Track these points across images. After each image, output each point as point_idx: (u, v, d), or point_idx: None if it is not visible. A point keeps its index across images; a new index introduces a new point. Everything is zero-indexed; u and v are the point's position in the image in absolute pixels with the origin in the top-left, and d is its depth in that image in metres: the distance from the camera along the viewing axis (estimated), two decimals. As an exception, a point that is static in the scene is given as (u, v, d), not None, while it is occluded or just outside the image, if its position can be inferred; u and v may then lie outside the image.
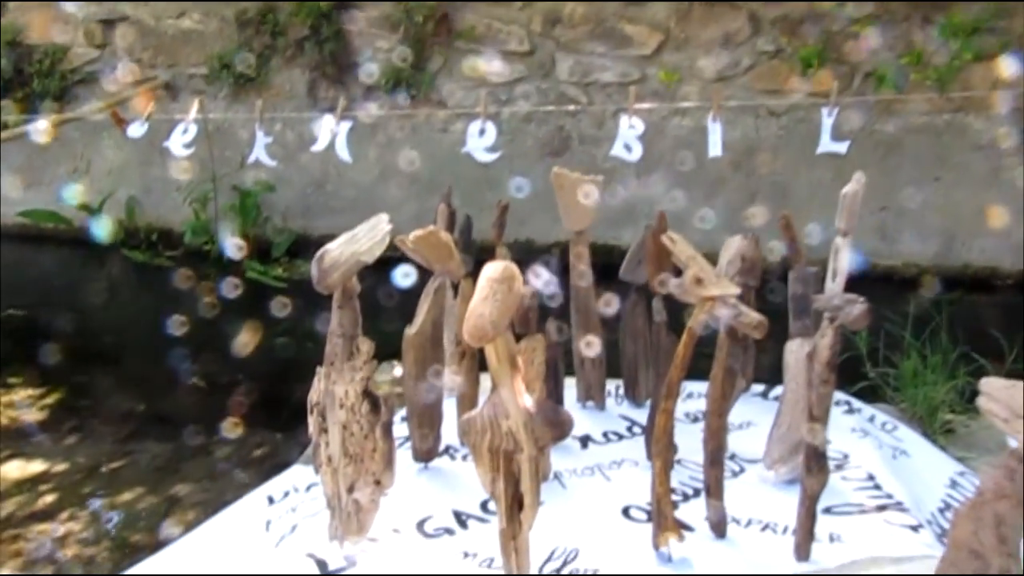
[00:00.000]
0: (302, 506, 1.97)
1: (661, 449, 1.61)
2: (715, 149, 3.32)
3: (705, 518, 1.75)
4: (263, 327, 3.87)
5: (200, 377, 3.69)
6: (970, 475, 2.21)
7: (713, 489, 1.70)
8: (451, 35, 4.65)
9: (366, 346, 1.58)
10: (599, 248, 3.54)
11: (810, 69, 4.21)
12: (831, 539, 1.71)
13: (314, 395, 1.62)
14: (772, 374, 2.31)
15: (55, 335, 4.10)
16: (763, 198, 4.42)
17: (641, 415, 2.21)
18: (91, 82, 5.16)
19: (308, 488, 2.04)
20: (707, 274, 1.48)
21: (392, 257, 1.83)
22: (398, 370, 2.50)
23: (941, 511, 1.96)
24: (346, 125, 3.54)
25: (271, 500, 2.09)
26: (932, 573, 1.35)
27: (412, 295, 1.98)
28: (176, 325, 3.86)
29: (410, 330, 1.92)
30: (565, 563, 1.65)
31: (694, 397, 2.28)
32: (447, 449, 2.07)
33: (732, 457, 2.04)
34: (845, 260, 2.22)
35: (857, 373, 2.92)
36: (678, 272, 1.67)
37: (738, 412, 2.18)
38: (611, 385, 2.37)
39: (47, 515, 2.79)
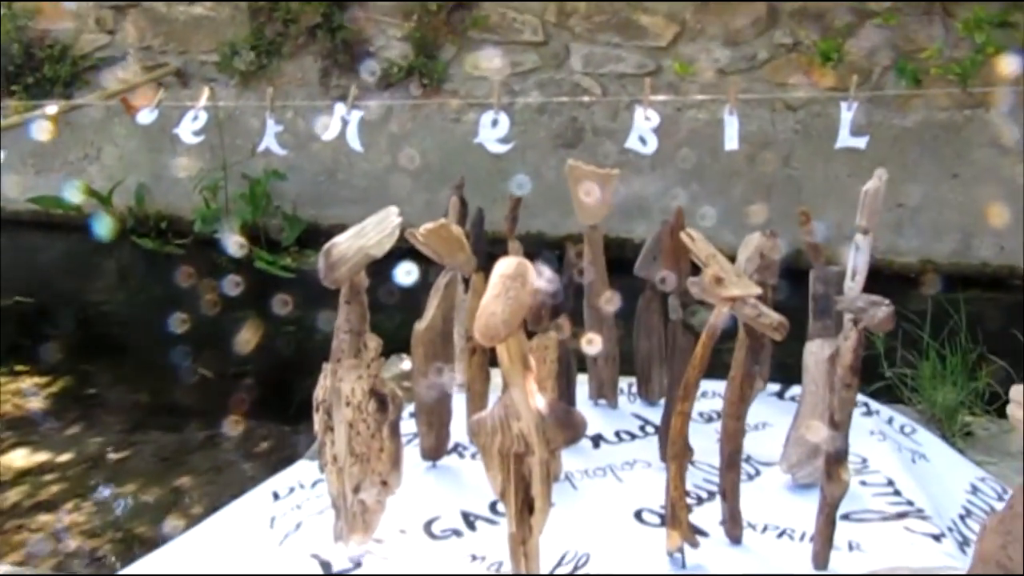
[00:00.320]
0: (307, 503, 1.93)
1: (676, 452, 1.56)
2: (731, 142, 3.26)
3: (720, 523, 1.70)
4: (270, 318, 3.84)
5: (207, 367, 3.66)
6: (991, 480, 2.15)
7: (729, 494, 1.65)
8: (464, 24, 4.60)
9: (374, 343, 1.54)
10: (611, 242, 3.50)
11: (829, 62, 4.13)
12: (850, 547, 1.66)
13: (320, 392, 1.58)
14: (787, 373, 2.26)
15: (62, 323, 4.08)
16: (778, 193, 4.36)
17: (654, 414, 2.16)
18: (102, 68, 5.13)
19: (314, 484, 2.00)
20: (727, 274, 1.43)
21: (402, 248, 1.79)
22: (407, 363, 2.46)
23: (962, 518, 1.91)
24: (357, 114, 3.50)
25: (276, 496, 2.06)
26: (957, 585, 1.31)
27: (422, 289, 1.94)
28: (183, 315, 3.83)
29: (420, 325, 1.88)
30: (576, 568, 1.61)
31: (709, 396, 2.23)
32: (456, 447, 2.03)
33: (747, 459, 1.99)
34: (865, 259, 2.17)
35: (874, 373, 2.87)
36: (695, 269, 1.62)
37: (754, 412, 2.12)
38: (624, 383, 2.32)
39: (51, 505, 2.77)
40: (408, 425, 2.07)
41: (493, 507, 1.78)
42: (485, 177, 4.08)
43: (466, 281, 2.09)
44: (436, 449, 1.97)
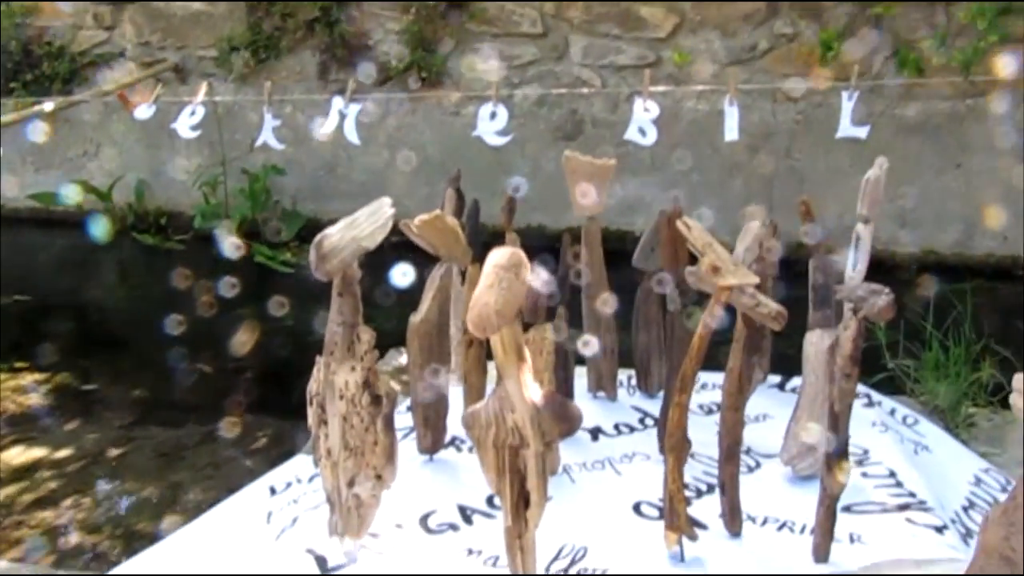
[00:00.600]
0: (304, 498, 1.92)
1: (674, 444, 1.54)
2: (731, 133, 3.24)
3: (719, 516, 1.68)
4: (270, 313, 3.83)
5: (206, 363, 3.65)
6: (995, 472, 2.13)
7: (728, 487, 1.63)
8: (463, 18, 4.57)
9: (367, 335, 1.52)
10: (611, 234, 3.48)
11: (830, 52, 4.10)
12: (851, 539, 1.64)
13: (314, 386, 1.56)
14: (789, 365, 2.24)
15: (62, 320, 4.07)
16: (779, 184, 4.34)
17: (654, 406, 2.14)
18: (100, 64, 5.11)
19: (311, 479, 1.99)
20: (724, 262, 1.41)
21: (397, 241, 1.77)
22: (404, 358, 2.44)
23: (965, 510, 1.89)
24: (355, 108, 3.48)
25: (273, 491, 2.04)
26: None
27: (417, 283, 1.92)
28: (183, 311, 3.82)
29: (415, 318, 1.86)
30: (573, 562, 1.59)
31: (708, 388, 2.21)
32: (453, 440, 2.01)
33: (748, 451, 1.97)
34: (867, 248, 2.15)
35: (876, 364, 2.84)
36: (694, 260, 1.60)
37: (754, 404, 2.11)
38: (623, 375, 2.31)
39: (50, 502, 2.76)
40: (405, 419, 2.05)
41: (490, 501, 1.76)
42: (485, 170, 4.06)
43: (463, 274, 2.07)
44: (433, 443, 1.96)
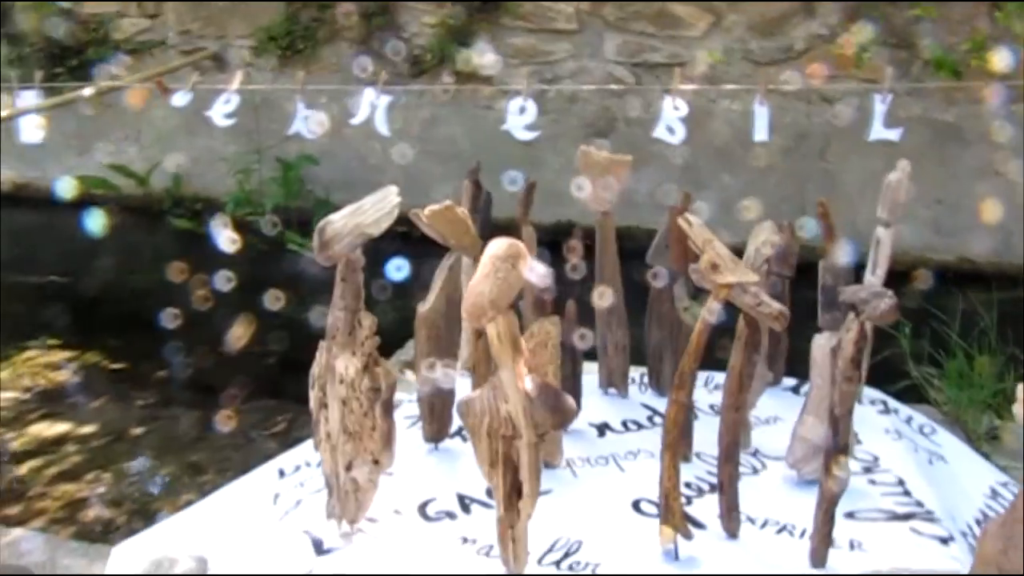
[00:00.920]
0: (310, 481, 1.94)
1: (671, 441, 1.54)
2: (761, 134, 3.21)
3: (718, 516, 1.67)
4: (298, 298, 3.87)
5: (233, 346, 3.70)
6: (1013, 485, 2.09)
7: (726, 487, 1.62)
8: (498, 12, 4.58)
9: (368, 320, 1.54)
10: (639, 232, 3.45)
11: (866, 54, 4.04)
12: (851, 546, 1.62)
13: (316, 369, 1.58)
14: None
15: (95, 300, 4.16)
16: (812, 186, 4.28)
17: (664, 404, 2.12)
18: (142, 52, 5.21)
19: (319, 463, 2.01)
20: (723, 260, 1.40)
21: (408, 232, 1.79)
22: (409, 374, 2.46)
23: (978, 522, 1.85)
24: (386, 99, 3.51)
25: (282, 473, 2.07)
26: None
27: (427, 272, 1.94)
28: (212, 294, 3.88)
29: (423, 307, 1.87)
30: (566, 555, 1.59)
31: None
32: (459, 430, 2.02)
33: (755, 454, 1.96)
34: (887, 252, 2.11)
35: (900, 372, 2.80)
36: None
37: (766, 406, 2.10)
38: (636, 372, 2.30)
39: (73, 475, 2.83)
40: (411, 407, 2.07)
41: (491, 491, 1.76)
42: (516, 165, 4.05)
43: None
44: (438, 432, 1.97)
